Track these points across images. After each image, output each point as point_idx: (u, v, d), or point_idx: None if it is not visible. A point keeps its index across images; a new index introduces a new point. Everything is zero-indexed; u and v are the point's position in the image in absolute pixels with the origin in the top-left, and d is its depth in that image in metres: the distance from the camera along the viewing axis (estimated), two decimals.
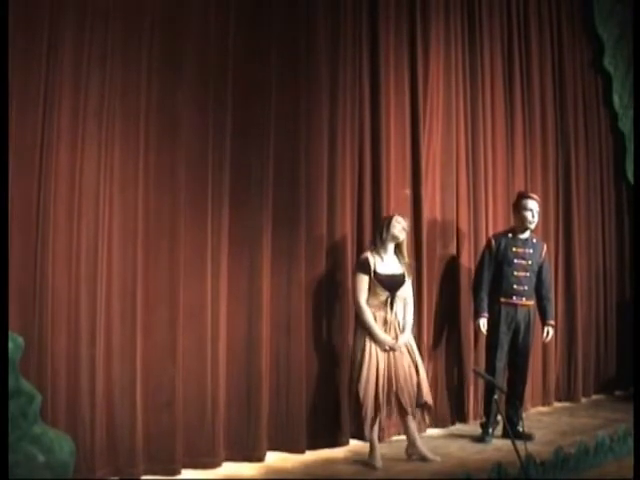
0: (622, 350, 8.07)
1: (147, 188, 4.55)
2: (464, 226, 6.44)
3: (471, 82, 6.63)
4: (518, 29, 7.24)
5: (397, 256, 5.17)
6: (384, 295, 5.02)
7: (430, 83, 6.22)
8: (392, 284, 5.04)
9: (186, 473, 4.56)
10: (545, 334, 6.00)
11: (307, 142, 5.30)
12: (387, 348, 4.94)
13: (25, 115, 4.04)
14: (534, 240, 5.95)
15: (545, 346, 7.00)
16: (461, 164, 6.44)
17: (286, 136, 5.21)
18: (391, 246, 5.14)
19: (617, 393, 7.91)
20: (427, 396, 5.04)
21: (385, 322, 5.00)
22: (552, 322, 6.01)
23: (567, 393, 7.49)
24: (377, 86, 5.81)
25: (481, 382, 6.17)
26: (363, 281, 4.99)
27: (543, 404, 7.15)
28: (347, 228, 5.54)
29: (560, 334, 7.30)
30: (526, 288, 5.82)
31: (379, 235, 5.15)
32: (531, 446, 4.73)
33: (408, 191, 5.99)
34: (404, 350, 5.02)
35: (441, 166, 6.29)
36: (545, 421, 6.50)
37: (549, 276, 6.11)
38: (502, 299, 5.78)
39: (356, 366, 4.92)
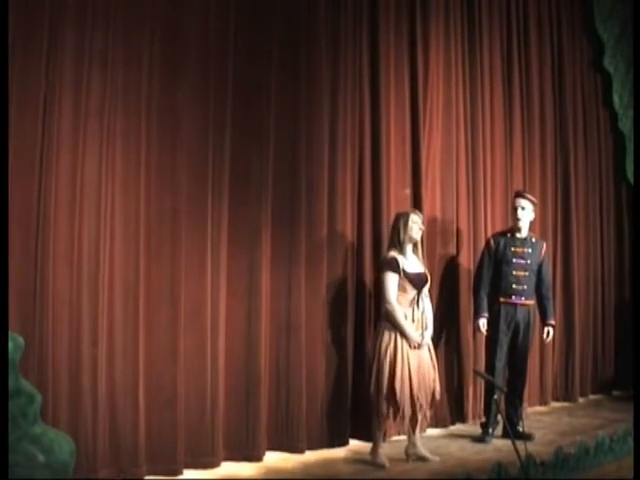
0: (620, 350, 8.07)
1: (148, 188, 4.55)
2: (464, 226, 6.44)
3: (471, 82, 6.64)
4: (518, 29, 7.25)
5: (415, 254, 5.18)
6: (412, 293, 5.04)
7: (430, 83, 6.22)
8: (419, 282, 5.08)
9: (186, 473, 4.56)
10: (545, 334, 6.01)
11: (307, 142, 5.30)
12: (416, 345, 4.96)
13: (25, 115, 4.03)
14: (533, 239, 5.96)
15: (543, 346, 7.02)
16: (461, 164, 6.44)
17: (286, 136, 5.21)
18: (410, 245, 5.14)
19: (615, 393, 7.92)
20: (438, 394, 5.12)
21: (413, 320, 5.02)
22: (552, 322, 6.01)
23: (565, 393, 7.50)
24: (377, 86, 5.81)
25: (481, 382, 6.18)
26: (394, 280, 5.00)
27: (540, 404, 7.16)
28: (347, 228, 5.54)
29: (558, 334, 7.30)
30: (525, 287, 5.82)
31: (397, 236, 5.12)
32: (531, 446, 4.74)
33: (408, 191, 5.99)
34: (426, 347, 5.06)
35: (441, 166, 6.29)
36: (545, 421, 6.51)
37: (549, 275, 6.12)
38: (501, 299, 5.80)
39: (386, 364, 4.90)
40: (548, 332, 5.98)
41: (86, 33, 4.27)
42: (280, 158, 5.16)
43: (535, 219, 6.18)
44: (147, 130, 4.56)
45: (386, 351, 4.92)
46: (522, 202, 5.86)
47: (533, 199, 5.99)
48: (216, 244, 4.79)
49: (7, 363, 3.35)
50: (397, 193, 5.88)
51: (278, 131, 5.15)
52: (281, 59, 5.18)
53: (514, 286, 5.79)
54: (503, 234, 5.99)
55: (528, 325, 5.85)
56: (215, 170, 4.81)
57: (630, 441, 5.10)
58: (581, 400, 7.54)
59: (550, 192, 7.46)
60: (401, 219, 5.15)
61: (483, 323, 5.77)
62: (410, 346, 4.94)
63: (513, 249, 5.84)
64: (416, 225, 5.12)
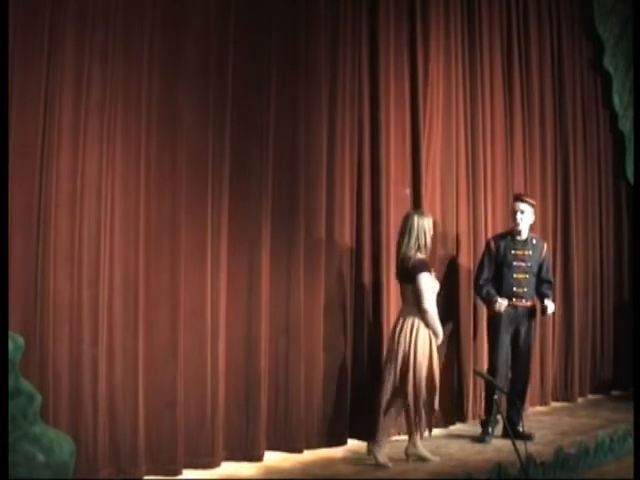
0: (619, 350, 8.07)
1: (148, 186, 4.54)
2: (463, 226, 6.43)
3: (471, 81, 6.63)
4: (518, 29, 7.24)
5: None
6: (435, 295, 5.11)
7: (430, 82, 6.21)
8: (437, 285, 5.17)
9: (185, 473, 4.56)
10: (548, 305, 5.83)
11: (306, 140, 5.30)
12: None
13: (26, 112, 4.02)
14: (534, 241, 5.94)
15: (543, 346, 7.03)
16: (461, 163, 6.43)
17: (285, 134, 5.21)
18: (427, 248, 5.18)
19: (614, 393, 7.92)
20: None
21: None
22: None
23: (564, 393, 7.50)
24: (377, 85, 5.81)
25: (481, 382, 6.17)
26: (430, 281, 5.04)
27: (541, 404, 7.16)
28: (346, 227, 5.54)
29: (558, 334, 7.32)
30: (526, 290, 5.81)
31: (418, 239, 5.09)
32: (531, 446, 4.74)
33: (408, 191, 5.98)
34: None
35: (441, 165, 6.28)
36: (545, 421, 6.51)
37: (549, 273, 6.06)
38: None
39: (425, 364, 4.94)
40: (547, 305, 5.82)
41: (86, 30, 4.26)
42: (279, 156, 5.16)
43: (535, 219, 6.17)
44: (147, 126, 4.55)
45: (423, 352, 4.96)
46: (521, 206, 5.83)
47: (532, 202, 5.96)
48: (216, 244, 4.79)
49: (7, 363, 3.35)
50: (397, 193, 5.87)
51: (278, 129, 5.15)
52: (281, 56, 5.18)
53: (515, 289, 5.78)
54: (503, 236, 5.96)
55: (529, 326, 5.85)
56: (215, 166, 4.80)
57: (630, 441, 5.11)
58: (580, 400, 7.54)
59: (550, 192, 7.45)
60: (425, 221, 5.14)
61: (501, 302, 5.67)
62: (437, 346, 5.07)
63: (514, 252, 5.82)
64: (431, 232, 5.18)
